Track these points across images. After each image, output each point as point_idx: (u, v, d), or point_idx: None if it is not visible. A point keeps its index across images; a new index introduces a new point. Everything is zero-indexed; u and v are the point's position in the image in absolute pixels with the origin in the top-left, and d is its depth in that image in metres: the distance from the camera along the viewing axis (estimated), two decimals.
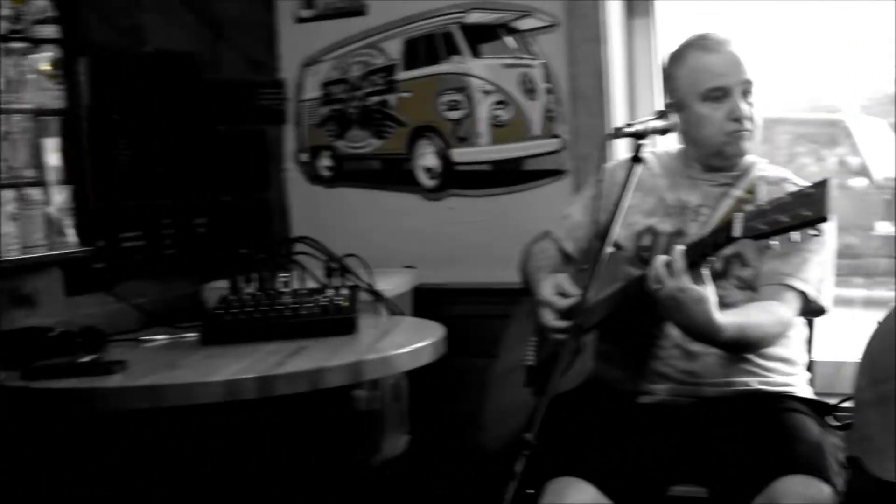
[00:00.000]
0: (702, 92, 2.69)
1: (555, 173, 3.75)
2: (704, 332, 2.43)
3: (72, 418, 2.78)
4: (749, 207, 2.33)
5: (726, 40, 2.72)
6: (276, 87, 4.16)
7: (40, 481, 3.01)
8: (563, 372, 2.37)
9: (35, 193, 3.17)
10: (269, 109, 4.14)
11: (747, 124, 2.70)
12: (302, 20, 4.13)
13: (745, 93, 2.69)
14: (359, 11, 4.03)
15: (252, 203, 4.05)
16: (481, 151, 3.85)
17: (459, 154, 3.89)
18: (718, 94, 2.68)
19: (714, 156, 2.75)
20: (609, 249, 2.45)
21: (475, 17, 3.85)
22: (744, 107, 2.68)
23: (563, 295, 2.69)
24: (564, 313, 2.66)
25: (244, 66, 4.05)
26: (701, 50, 2.71)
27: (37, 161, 3.19)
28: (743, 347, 2.59)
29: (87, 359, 2.73)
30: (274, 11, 4.16)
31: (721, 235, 2.35)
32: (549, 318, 2.69)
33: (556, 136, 3.75)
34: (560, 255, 2.97)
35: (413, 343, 2.85)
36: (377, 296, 3.36)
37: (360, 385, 3.33)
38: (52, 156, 3.24)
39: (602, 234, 2.46)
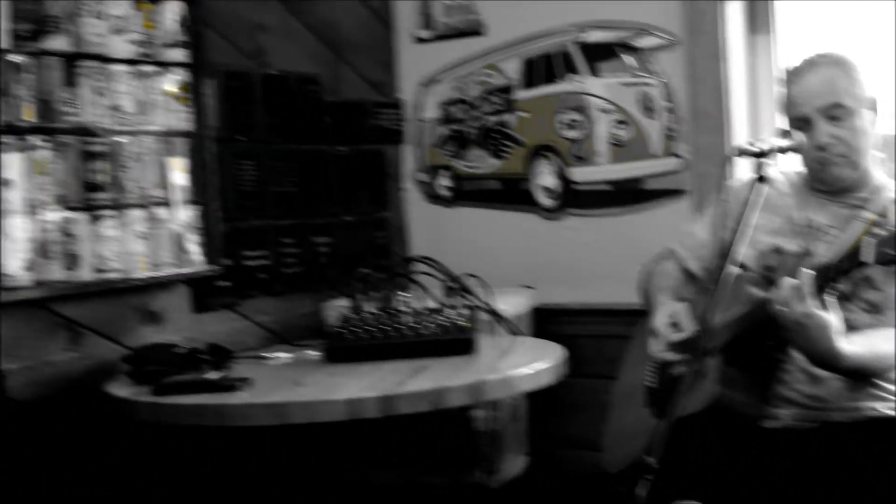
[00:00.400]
0: (790, 121, 2.65)
1: (674, 193, 3.72)
2: (827, 358, 2.38)
3: (200, 433, 2.84)
4: (880, 231, 2.27)
5: (811, 63, 2.64)
6: (394, 107, 4.20)
7: (171, 494, 3.08)
8: (686, 395, 2.34)
9: (163, 213, 3.25)
10: (388, 129, 4.18)
11: (834, 149, 2.63)
12: (421, 41, 4.17)
13: (832, 118, 2.61)
14: (477, 32, 4.06)
15: (372, 222, 4.09)
16: (600, 171, 3.84)
17: (578, 173, 3.88)
18: (800, 124, 2.63)
19: (816, 181, 2.71)
20: (733, 269, 2.42)
21: (594, 36, 3.84)
22: (827, 132, 2.61)
23: (677, 327, 2.66)
24: (674, 346, 2.63)
25: (364, 87, 4.11)
26: (790, 77, 2.67)
27: (165, 181, 3.27)
28: (866, 375, 2.53)
29: (214, 376, 2.79)
30: (393, 32, 4.20)
31: (851, 261, 2.30)
32: (656, 349, 2.67)
33: (675, 156, 3.72)
34: (682, 276, 2.93)
35: (533, 364, 2.85)
36: (496, 316, 3.36)
37: (479, 405, 3.34)
38: (180, 176, 3.32)
39: (726, 253, 2.42)
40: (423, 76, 4.17)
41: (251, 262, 3.62)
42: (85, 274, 3.02)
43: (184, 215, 3.31)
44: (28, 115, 2.90)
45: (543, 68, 3.93)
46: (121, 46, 3.13)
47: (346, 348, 3.01)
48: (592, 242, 3.86)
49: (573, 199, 3.90)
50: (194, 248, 3.34)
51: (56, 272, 2.95)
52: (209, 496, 3.19)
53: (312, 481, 3.33)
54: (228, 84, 3.55)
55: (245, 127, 3.61)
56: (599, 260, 3.83)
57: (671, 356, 2.62)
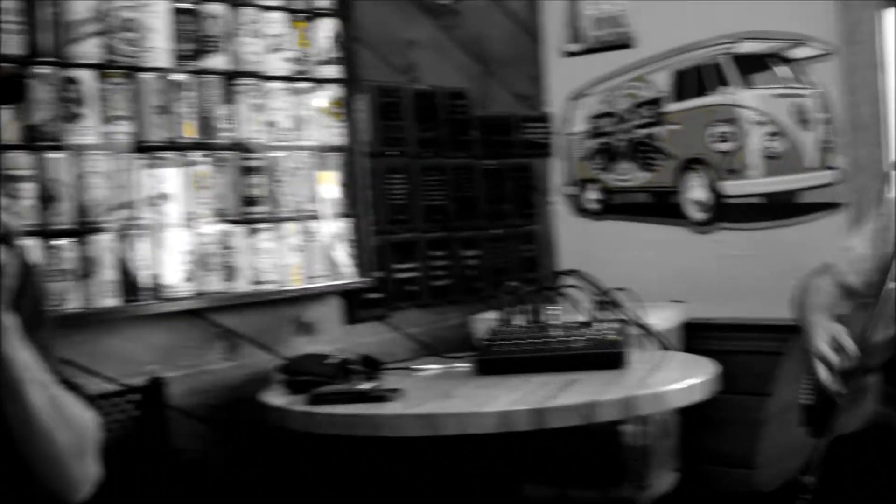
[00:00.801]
0: None
1: (830, 206, 3.63)
2: None
3: (351, 443, 2.88)
4: None
5: None
6: (543, 120, 4.20)
7: (323, 502, 3.13)
8: (844, 414, 2.28)
9: (317, 226, 3.32)
10: (537, 143, 4.19)
11: None
12: (569, 54, 4.17)
13: None
14: (627, 44, 4.03)
15: (520, 235, 4.10)
16: (753, 184, 3.78)
17: (730, 186, 3.82)
18: None
19: None
20: (893, 285, 2.35)
21: (746, 47, 3.78)
22: None
23: (839, 349, 2.58)
24: (841, 371, 2.56)
25: (512, 101, 4.12)
26: None
27: (319, 195, 3.34)
28: None
29: (366, 386, 2.82)
30: (541, 46, 4.21)
31: None
32: (825, 376, 2.60)
33: (831, 168, 3.63)
34: (838, 291, 2.86)
35: (685, 379, 2.81)
36: (646, 330, 3.33)
37: (627, 419, 3.31)
38: (333, 190, 3.38)
39: (886, 268, 2.36)
40: (572, 89, 4.17)
41: (401, 275, 3.67)
42: (242, 285, 3.10)
43: (337, 228, 3.37)
44: (188, 131, 2.99)
45: (694, 80, 3.89)
46: (277, 64, 3.21)
47: (495, 361, 3.02)
48: (744, 256, 3.80)
49: (724, 212, 3.85)
50: (347, 261, 3.39)
51: (215, 283, 3.03)
52: None
53: (462, 493, 3.35)
54: (380, 99, 3.61)
55: (396, 141, 3.67)
56: (751, 274, 3.77)
57: (838, 384, 2.54)
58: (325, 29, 3.35)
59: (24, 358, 1.60)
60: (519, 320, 3.18)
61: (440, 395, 2.81)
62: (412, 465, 3.14)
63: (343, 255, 3.39)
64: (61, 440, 1.65)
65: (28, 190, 2.64)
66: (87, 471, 1.72)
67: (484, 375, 3.01)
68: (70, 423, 1.66)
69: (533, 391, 2.74)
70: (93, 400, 1.78)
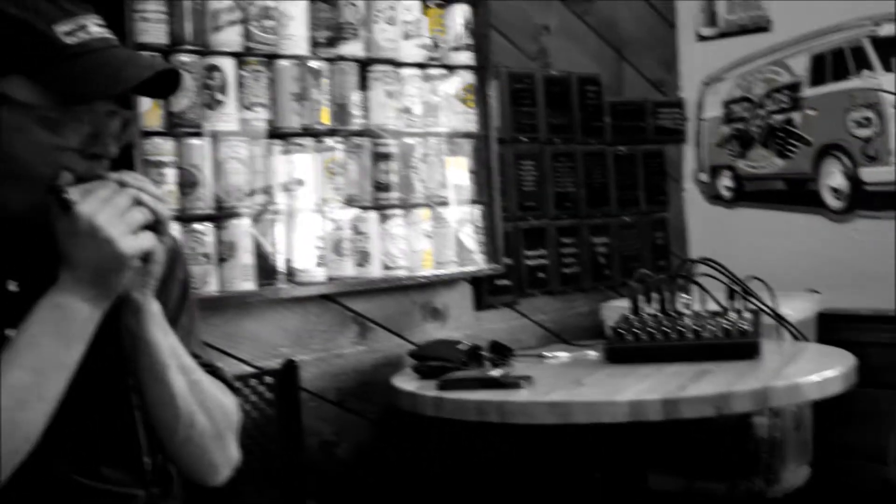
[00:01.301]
0: None
1: None
2: None
3: (482, 429, 2.89)
4: None
5: None
6: (676, 106, 4.15)
7: (450, 488, 3.16)
8: None
9: (448, 212, 3.33)
10: (669, 129, 4.14)
11: None
12: (704, 38, 4.11)
13: None
14: (763, 28, 3.95)
15: (651, 223, 4.06)
16: (894, 171, 3.67)
17: (869, 174, 3.72)
18: None
19: None
20: None
21: (888, 30, 3.67)
22: None
23: None
24: None
25: (645, 86, 4.08)
26: None
27: (450, 182, 3.35)
28: None
29: (496, 373, 2.83)
30: (676, 30, 4.16)
31: None
32: None
33: None
34: None
35: (821, 371, 2.75)
36: (780, 320, 3.27)
37: (760, 411, 3.25)
38: (464, 176, 3.39)
39: None
40: (706, 74, 4.11)
41: (531, 262, 3.67)
42: (374, 271, 3.13)
43: (467, 215, 3.38)
44: (324, 117, 3.03)
45: (833, 64, 3.79)
46: (410, 50, 3.23)
47: (626, 349, 3.00)
48: (883, 246, 3.69)
49: (863, 200, 3.75)
50: (477, 247, 3.40)
51: (348, 269, 3.07)
52: (488, 492, 3.25)
53: (589, 482, 3.34)
54: (512, 85, 3.60)
55: (527, 127, 3.66)
56: (890, 264, 3.66)
57: None
58: (459, 15, 3.35)
59: (168, 343, 1.64)
60: (650, 309, 3.15)
61: (570, 382, 2.81)
62: (540, 453, 3.14)
63: (473, 242, 3.39)
64: (202, 424, 1.69)
65: (169, 175, 2.70)
66: (228, 454, 1.76)
67: (614, 364, 3.00)
68: (211, 407, 1.70)
69: (664, 381, 2.72)
70: (233, 385, 1.82)
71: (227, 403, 1.76)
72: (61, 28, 1.53)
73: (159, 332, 1.62)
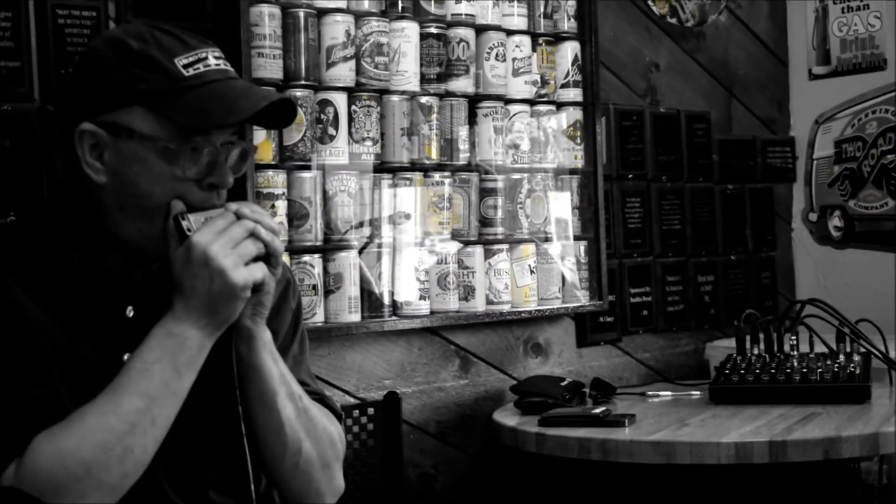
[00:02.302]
0: None
1: None
2: None
3: (583, 467, 2.88)
4: None
5: None
6: (786, 144, 4.10)
7: None
8: None
9: (553, 248, 3.33)
10: (779, 168, 4.09)
11: None
12: (816, 77, 4.06)
13: None
14: (878, 66, 3.89)
15: (758, 262, 4.01)
16: None
17: None
18: None
19: None
20: None
21: None
22: None
23: None
24: None
25: (755, 124, 4.04)
26: None
27: (555, 218, 3.35)
28: None
29: (598, 410, 2.82)
30: (788, 69, 4.11)
31: None
32: None
33: None
34: None
35: None
36: (891, 364, 3.19)
37: (870, 457, 3.18)
38: (570, 213, 3.38)
39: None
40: (818, 113, 4.05)
41: (635, 299, 3.64)
42: (478, 305, 3.14)
43: (572, 251, 3.38)
44: (432, 152, 3.06)
45: None
46: (519, 87, 3.24)
47: (731, 390, 2.96)
48: None
49: None
50: (581, 284, 3.39)
51: (452, 302, 3.08)
52: None
53: None
54: (620, 122, 3.60)
55: (634, 164, 3.65)
56: None
57: None
58: (568, 52, 3.36)
59: (278, 370, 1.67)
60: (756, 349, 3.11)
61: (674, 422, 2.78)
62: (642, 494, 3.10)
63: (577, 278, 3.39)
64: (308, 451, 1.71)
65: (280, 207, 2.75)
66: (333, 483, 1.78)
67: (719, 404, 2.95)
68: (319, 435, 1.73)
69: (772, 423, 2.67)
70: (340, 414, 1.85)
71: (333, 432, 1.78)
72: (181, 61, 1.58)
73: (269, 360, 1.66)
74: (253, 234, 1.57)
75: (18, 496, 1.46)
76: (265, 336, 1.65)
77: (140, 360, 1.54)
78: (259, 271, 1.58)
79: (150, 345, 1.55)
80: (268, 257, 1.60)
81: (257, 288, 1.59)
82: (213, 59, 1.60)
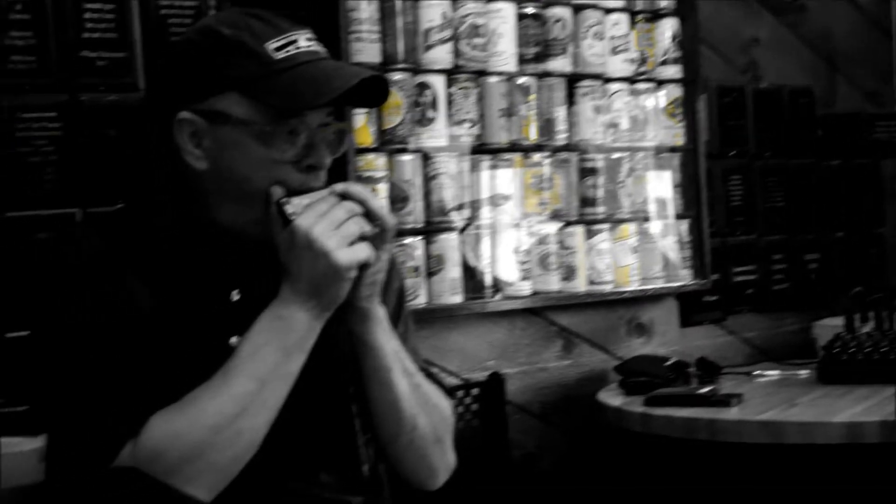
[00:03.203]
0: None
1: None
2: None
3: (689, 447, 2.85)
4: None
5: None
6: (893, 118, 4.00)
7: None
8: None
9: (654, 227, 3.30)
10: (886, 142, 3.99)
11: None
12: None
13: None
14: None
15: (865, 239, 3.92)
16: None
17: None
18: None
19: None
20: None
21: None
22: None
23: None
24: None
25: (859, 98, 3.95)
26: None
27: (656, 196, 3.32)
28: None
29: (704, 390, 2.79)
30: (893, 41, 4.01)
31: None
32: None
33: None
34: None
35: None
36: None
37: None
38: (671, 191, 3.35)
39: None
40: None
41: (738, 278, 3.60)
42: (580, 285, 3.13)
43: (674, 230, 3.34)
44: (530, 133, 3.05)
45: None
46: (618, 65, 3.21)
47: (841, 369, 2.91)
48: None
49: None
50: (683, 263, 3.36)
51: (553, 283, 3.07)
52: None
53: None
54: (721, 99, 3.55)
55: (736, 141, 3.60)
56: None
57: None
58: (667, 29, 3.32)
59: (392, 346, 1.68)
60: (865, 328, 3.05)
61: (782, 402, 2.74)
62: (749, 474, 3.06)
63: (679, 257, 3.35)
64: (423, 427, 1.72)
65: (381, 191, 2.77)
66: (446, 458, 1.79)
67: (828, 384, 2.91)
68: (431, 410, 1.74)
69: (883, 402, 2.62)
70: (448, 389, 1.85)
71: (445, 407, 1.79)
72: (272, 45, 1.59)
73: (384, 337, 1.67)
74: (356, 215, 1.58)
75: (137, 475, 1.49)
76: (379, 313, 1.66)
77: (250, 343, 1.56)
78: (363, 251, 1.58)
79: (260, 328, 1.57)
80: (375, 236, 1.60)
81: (365, 267, 1.60)
82: (305, 42, 1.61)
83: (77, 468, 1.52)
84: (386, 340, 1.67)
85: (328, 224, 1.55)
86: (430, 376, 1.81)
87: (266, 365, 1.55)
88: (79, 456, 1.52)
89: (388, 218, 1.62)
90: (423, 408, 1.72)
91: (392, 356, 1.67)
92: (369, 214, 1.59)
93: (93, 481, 1.49)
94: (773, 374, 3.17)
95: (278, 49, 1.58)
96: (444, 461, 1.79)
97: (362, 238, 1.58)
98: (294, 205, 1.57)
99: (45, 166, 2.31)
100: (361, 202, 1.59)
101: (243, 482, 1.56)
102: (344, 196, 1.59)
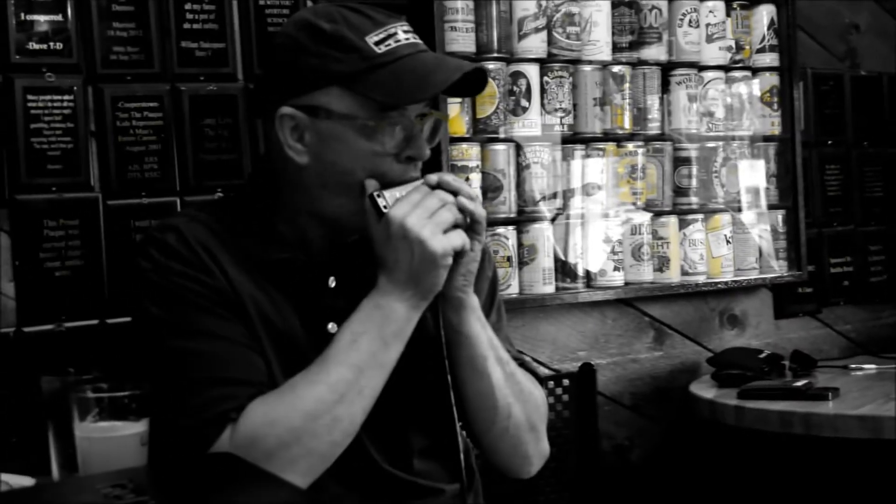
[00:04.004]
0: None
1: None
2: None
3: (784, 441, 2.82)
4: None
5: None
6: None
7: (747, 499, 3.09)
8: None
9: (749, 218, 3.26)
10: None
11: None
12: None
13: None
14: None
15: None
16: None
17: None
18: None
19: None
20: None
21: None
22: None
23: None
24: None
25: None
26: None
27: (752, 186, 3.27)
28: None
29: (800, 383, 2.75)
30: None
31: None
32: None
33: None
34: None
35: None
36: None
37: None
38: (766, 181, 3.30)
39: None
40: None
41: (835, 269, 3.54)
42: (673, 276, 3.10)
43: (769, 220, 3.30)
44: (624, 122, 3.03)
45: None
46: (713, 53, 3.17)
47: None
48: None
49: None
50: (778, 254, 3.31)
51: (646, 273, 3.05)
52: None
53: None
54: (818, 87, 3.49)
55: (833, 130, 3.54)
56: None
57: None
58: (764, 15, 3.27)
59: (486, 335, 1.69)
60: None
61: (880, 396, 2.70)
62: (846, 470, 3.02)
63: (774, 248, 3.30)
64: (517, 415, 1.73)
65: (474, 180, 2.77)
66: (540, 446, 1.80)
67: None
68: (525, 398, 1.74)
69: None
70: (540, 377, 1.86)
71: (538, 395, 1.80)
72: (372, 38, 1.60)
73: (478, 325, 1.68)
74: (449, 203, 1.59)
75: (235, 461, 1.51)
76: (473, 302, 1.67)
77: (349, 331, 1.58)
78: (458, 239, 1.59)
79: (359, 317, 1.59)
80: (469, 225, 1.61)
81: (459, 255, 1.61)
82: (403, 34, 1.62)
83: (177, 453, 1.55)
84: (480, 329, 1.68)
85: (422, 213, 1.57)
86: (523, 365, 1.81)
87: (364, 353, 1.57)
88: (179, 441, 1.55)
89: (480, 207, 1.62)
90: (518, 396, 1.72)
91: (486, 345, 1.68)
92: (462, 203, 1.60)
93: (192, 466, 1.53)
94: (871, 367, 3.12)
95: (378, 43, 1.60)
96: (538, 449, 1.79)
97: (456, 226, 1.59)
98: (387, 197, 1.59)
99: (145, 155, 2.36)
100: (454, 192, 1.60)
101: (340, 466, 1.58)
102: (436, 186, 1.60)
